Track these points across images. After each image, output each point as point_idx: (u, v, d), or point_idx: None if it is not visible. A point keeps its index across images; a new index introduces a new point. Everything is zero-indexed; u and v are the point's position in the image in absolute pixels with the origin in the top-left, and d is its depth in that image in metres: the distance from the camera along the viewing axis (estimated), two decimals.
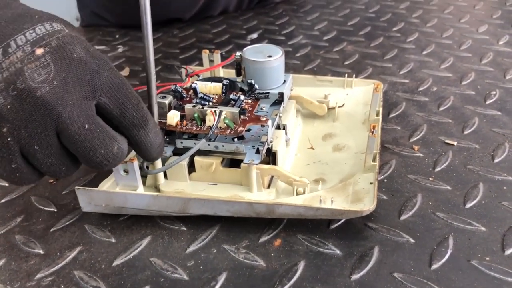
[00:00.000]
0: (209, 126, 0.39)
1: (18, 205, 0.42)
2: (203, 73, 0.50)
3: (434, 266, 0.35)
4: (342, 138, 0.48)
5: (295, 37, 0.74)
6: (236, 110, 0.39)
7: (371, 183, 0.39)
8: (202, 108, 0.40)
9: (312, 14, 0.82)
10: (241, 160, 0.39)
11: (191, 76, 0.47)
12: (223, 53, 0.70)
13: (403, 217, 0.39)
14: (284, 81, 0.46)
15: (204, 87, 0.43)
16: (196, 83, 0.43)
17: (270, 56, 0.44)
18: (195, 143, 0.39)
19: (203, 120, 0.40)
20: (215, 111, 0.39)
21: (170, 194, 0.39)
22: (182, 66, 0.53)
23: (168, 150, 0.40)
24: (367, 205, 0.37)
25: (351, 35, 0.74)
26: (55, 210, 0.42)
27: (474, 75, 0.61)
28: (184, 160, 0.40)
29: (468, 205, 0.40)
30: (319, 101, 0.50)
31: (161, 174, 0.41)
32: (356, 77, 0.56)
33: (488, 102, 0.55)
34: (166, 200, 0.38)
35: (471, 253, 0.36)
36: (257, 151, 0.39)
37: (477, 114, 0.52)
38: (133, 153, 0.43)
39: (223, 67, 0.53)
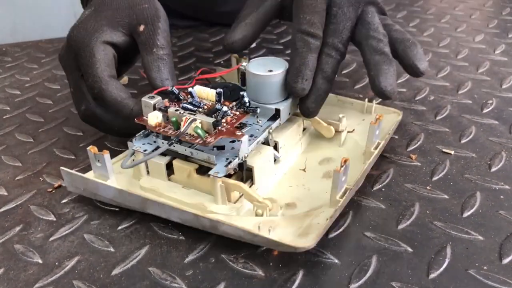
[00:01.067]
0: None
1: (16, 214, 0.43)
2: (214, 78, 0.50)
3: (432, 275, 0.35)
4: (337, 165, 0.45)
5: None
6: (210, 120, 0.39)
7: (327, 219, 0.37)
8: (182, 113, 0.40)
9: None
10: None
11: (197, 80, 0.47)
12: (222, 62, 0.71)
13: (401, 226, 0.39)
14: (288, 97, 0.45)
15: (202, 92, 0.43)
16: (192, 88, 0.43)
17: (271, 71, 0.44)
18: (174, 146, 0.40)
19: (180, 125, 0.40)
20: (188, 119, 0.39)
21: (131, 191, 0.40)
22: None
23: (150, 148, 0.41)
24: (306, 242, 0.35)
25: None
26: (54, 219, 0.42)
27: (471, 84, 0.61)
28: (163, 160, 0.41)
29: (466, 214, 0.40)
30: (328, 123, 0.48)
31: (144, 169, 0.42)
32: (353, 86, 0.57)
33: (485, 111, 0.55)
34: (128, 195, 0.40)
35: (469, 262, 0.36)
36: (229, 164, 0.39)
37: (474, 123, 0.53)
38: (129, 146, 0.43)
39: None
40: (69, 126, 0.56)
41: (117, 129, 0.47)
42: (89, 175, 0.42)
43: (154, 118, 0.40)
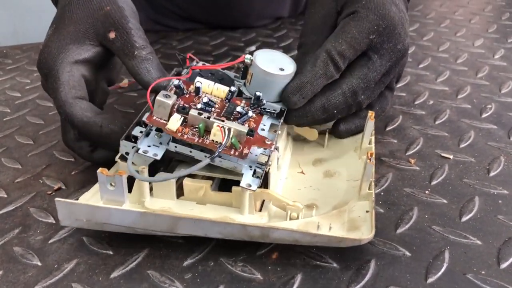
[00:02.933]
0: (213, 140, 0.37)
1: (16, 216, 0.43)
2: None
3: (430, 280, 0.35)
4: (332, 164, 0.46)
5: (293, 50, 0.75)
6: (244, 130, 0.37)
7: (367, 211, 0.38)
8: (208, 118, 0.37)
9: None
10: (233, 181, 0.38)
11: (193, 70, 0.44)
12: None
13: (399, 230, 0.39)
14: None
15: (207, 87, 0.41)
16: (200, 82, 0.41)
17: (282, 70, 0.42)
18: (190, 151, 0.38)
19: (206, 131, 0.37)
20: (223, 127, 0.37)
21: (159, 212, 0.37)
22: (181, 54, 0.48)
23: (160, 152, 0.38)
24: (365, 234, 0.36)
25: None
26: (54, 222, 0.42)
27: (470, 88, 0.61)
28: (173, 179, 0.38)
29: (464, 219, 0.40)
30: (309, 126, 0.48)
31: (147, 190, 0.39)
32: None
33: (484, 115, 0.55)
34: (154, 218, 0.37)
35: (467, 267, 0.36)
36: (254, 173, 0.38)
37: (473, 128, 0.53)
38: (121, 165, 0.42)
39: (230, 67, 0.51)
40: None
41: (96, 160, 0.45)
42: (90, 200, 0.38)
43: (175, 122, 0.37)
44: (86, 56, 0.44)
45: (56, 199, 0.37)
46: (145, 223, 0.37)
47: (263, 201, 0.40)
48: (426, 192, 0.44)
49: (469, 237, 0.38)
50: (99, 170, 0.37)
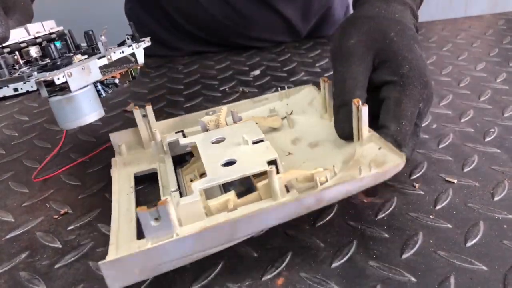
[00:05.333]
0: None
1: (23, 241, 0.43)
2: None
3: None
4: (310, 137, 0.49)
5: (296, 74, 0.76)
6: None
7: (379, 148, 0.40)
8: None
9: (314, 51, 0.84)
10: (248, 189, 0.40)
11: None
12: (227, 89, 0.72)
13: (404, 256, 0.39)
14: None
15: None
16: None
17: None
18: None
19: None
20: None
21: (216, 223, 0.35)
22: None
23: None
24: (397, 159, 0.38)
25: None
26: (60, 246, 0.42)
27: (473, 112, 0.62)
28: (197, 196, 0.38)
29: (469, 244, 0.40)
30: (270, 116, 0.52)
31: (175, 221, 0.35)
32: None
33: (487, 139, 0.56)
34: (212, 232, 0.34)
35: None
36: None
37: (476, 152, 0.53)
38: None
39: None
40: (76, 153, 0.56)
41: None
42: (131, 248, 0.36)
43: None
44: None
45: (100, 262, 0.32)
46: (204, 243, 0.34)
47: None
48: (431, 216, 0.44)
49: (475, 263, 0.38)
50: (138, 209, 0.33)
